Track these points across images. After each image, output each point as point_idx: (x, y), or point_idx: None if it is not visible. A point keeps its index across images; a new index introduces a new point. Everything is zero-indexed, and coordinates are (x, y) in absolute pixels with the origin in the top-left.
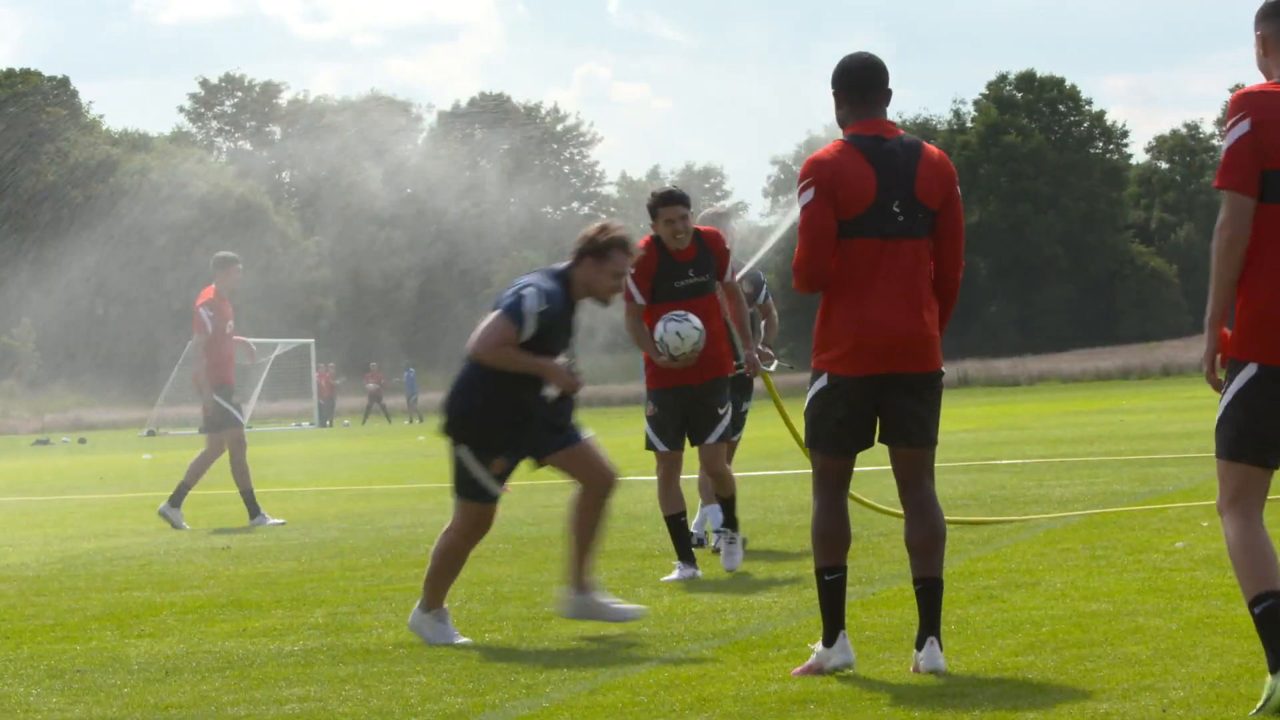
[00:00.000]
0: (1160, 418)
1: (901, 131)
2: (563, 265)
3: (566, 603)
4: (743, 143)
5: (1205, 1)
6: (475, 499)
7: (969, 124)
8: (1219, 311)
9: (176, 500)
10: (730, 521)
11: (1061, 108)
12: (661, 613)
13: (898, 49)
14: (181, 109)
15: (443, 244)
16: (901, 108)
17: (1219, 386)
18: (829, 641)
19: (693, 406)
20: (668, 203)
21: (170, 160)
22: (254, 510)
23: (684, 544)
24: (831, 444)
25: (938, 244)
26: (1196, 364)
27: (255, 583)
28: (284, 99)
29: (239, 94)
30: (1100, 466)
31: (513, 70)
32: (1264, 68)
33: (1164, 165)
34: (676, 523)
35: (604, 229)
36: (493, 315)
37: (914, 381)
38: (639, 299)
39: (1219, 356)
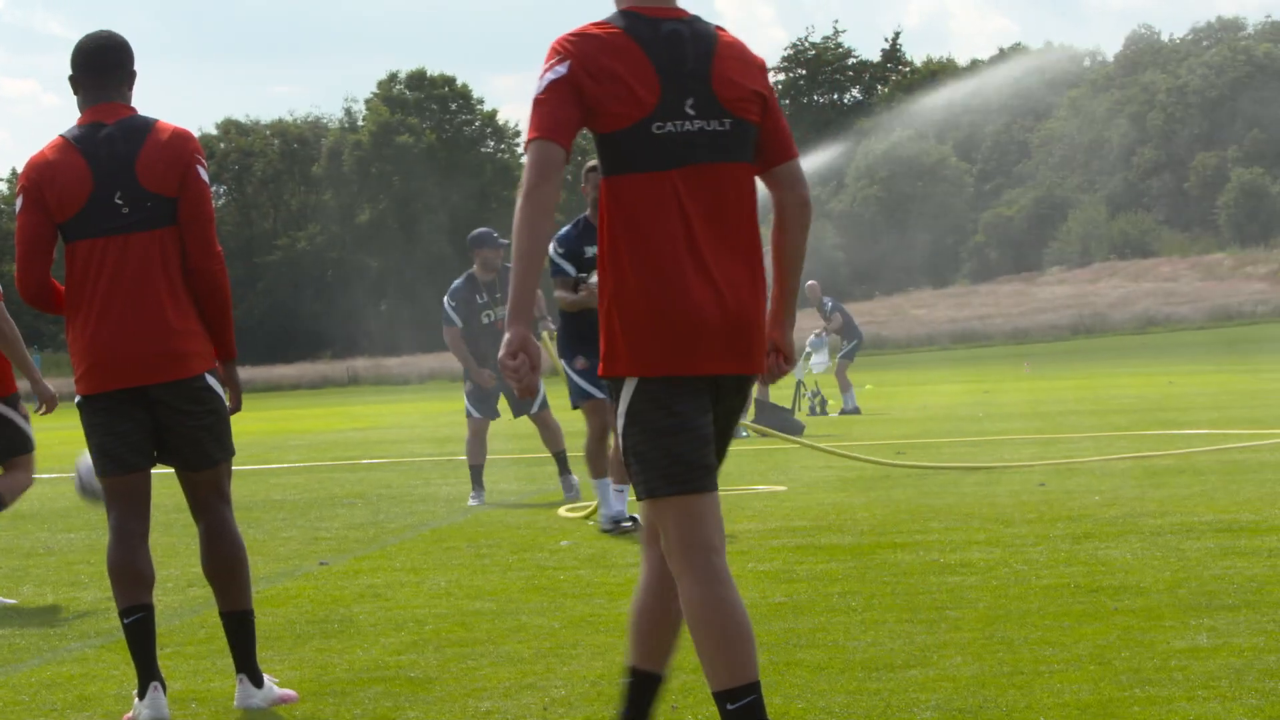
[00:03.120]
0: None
1: (131, 113)
2: None
3: None
4: None
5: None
6: None
7: (361, 123)
8: (530, 297)
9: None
10: None
11: (453, 106)
12: (44, 610)
13: (287, 46)
14: None
15: None
16: (293, 105)
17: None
18: (140, 693)
19: None
20: None
21: None
22: None
23: None
24: (100, 460)
25: (182, 232)
26: None
27: None
28: None
29: None
30: (487, 465)
31: None
32: None
33: None
34: None
35: None
36: None
37: (167, 394)
38: None
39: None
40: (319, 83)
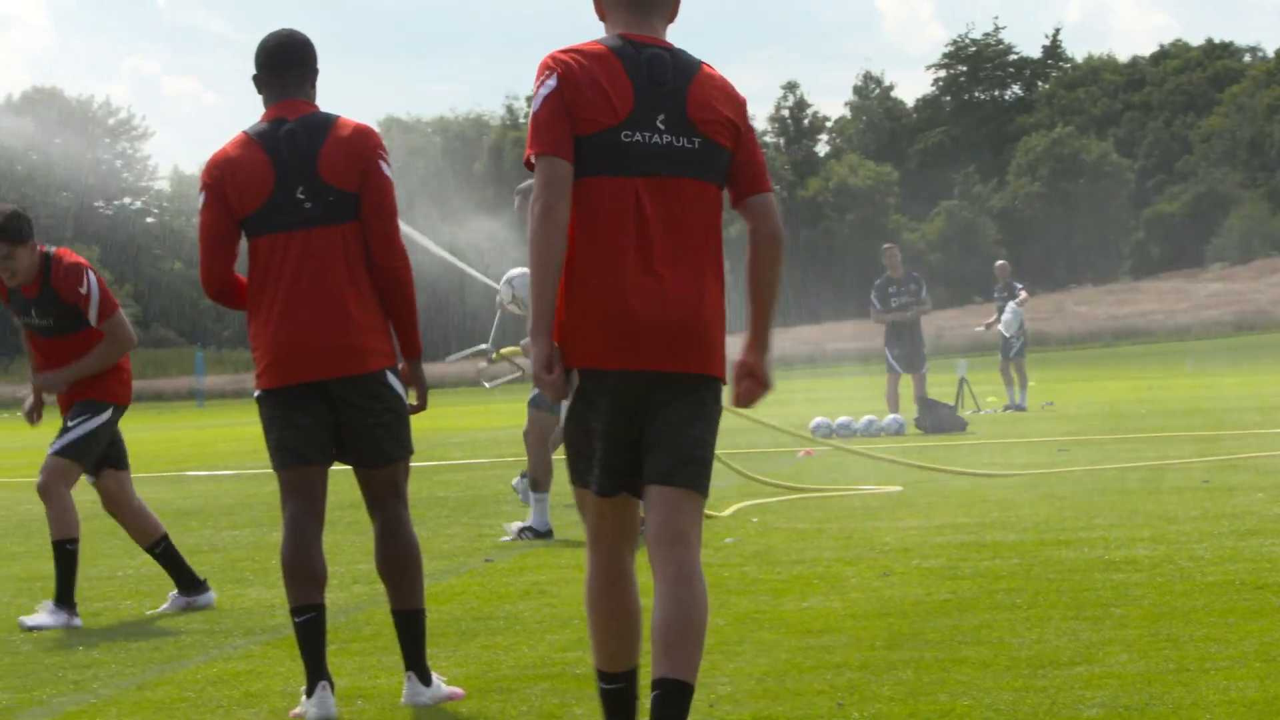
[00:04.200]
0: None
1: (314, 109)
2: None
3: None
4: None
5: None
6: None
7: (522, 120)
8: (552, 311)
9: None
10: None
11: None
12: (210, 608)
13: (448, 42)
14: None
15: None
16: (454, 103)
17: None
18: (309, 691)
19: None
20: None
21: None
22: None
23: None
24: (277, 453)
25: (364, 228)
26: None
27: None
28: None
29: None
30: None
31: (62, 63)
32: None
33: None
34: None
35: None
36: None
37: (346, 389)
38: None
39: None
40: (481, 80)
